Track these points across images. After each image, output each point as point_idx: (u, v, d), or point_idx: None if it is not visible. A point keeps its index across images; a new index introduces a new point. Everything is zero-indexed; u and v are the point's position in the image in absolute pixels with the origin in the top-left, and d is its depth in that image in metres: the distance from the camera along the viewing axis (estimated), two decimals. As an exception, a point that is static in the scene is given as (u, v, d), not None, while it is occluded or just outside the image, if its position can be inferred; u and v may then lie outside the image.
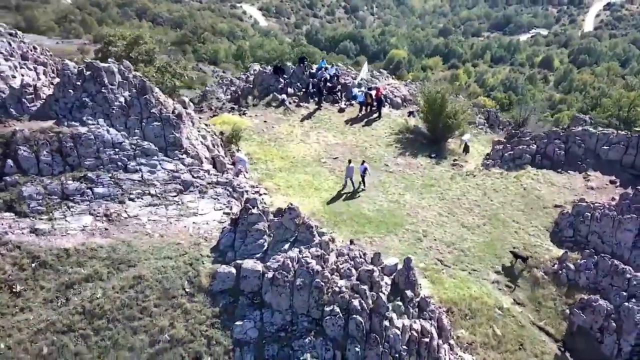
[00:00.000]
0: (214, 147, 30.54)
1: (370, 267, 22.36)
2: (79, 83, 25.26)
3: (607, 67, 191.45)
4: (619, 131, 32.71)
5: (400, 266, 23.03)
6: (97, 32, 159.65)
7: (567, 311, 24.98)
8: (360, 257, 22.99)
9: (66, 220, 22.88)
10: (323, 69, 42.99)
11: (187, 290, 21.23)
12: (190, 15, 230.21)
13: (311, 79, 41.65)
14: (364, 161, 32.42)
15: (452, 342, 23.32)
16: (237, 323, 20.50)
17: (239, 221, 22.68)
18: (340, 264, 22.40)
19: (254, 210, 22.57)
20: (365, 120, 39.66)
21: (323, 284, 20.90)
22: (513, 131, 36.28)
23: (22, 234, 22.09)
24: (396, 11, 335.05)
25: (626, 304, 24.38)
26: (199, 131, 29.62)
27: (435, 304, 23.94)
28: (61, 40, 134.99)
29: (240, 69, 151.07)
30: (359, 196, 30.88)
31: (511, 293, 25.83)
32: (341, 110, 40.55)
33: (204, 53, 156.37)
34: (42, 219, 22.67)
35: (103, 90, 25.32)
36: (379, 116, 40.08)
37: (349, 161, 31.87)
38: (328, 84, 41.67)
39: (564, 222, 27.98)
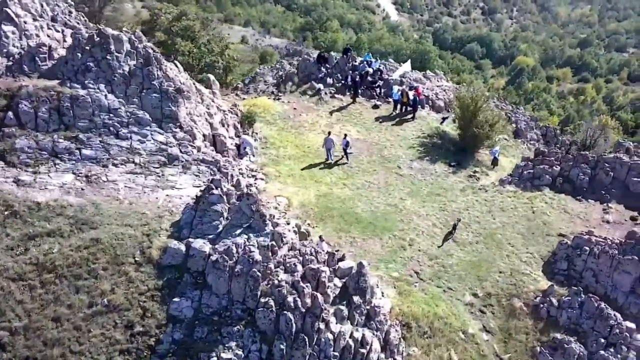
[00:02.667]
0: (223, 126, 31.03)
1: (317, 266, 21.87)
2: (87, 48, 26.54)
3: None
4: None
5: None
6: (229, 12, 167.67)
7: (537, 348, 23.09)
8: (312, 254, 22.49)
9: (49, 176, 24.23)
10: (366, 62, 42.01)
11: (137, 259, 21.79)
12: (323, 4, 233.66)
13: (351, 72, 40.90)
14: (345, 135, 33.04)
15: (398, 358, 22.35)
16: (175, 299, 20.79)
17: (200, 200, 22.97)
18: (289, 259, 22.08)
19: (215, 191, 22.69)
20: (398, 119, 38.43)
21: (260, 274, 20.70)
22: (541, 149, 33.59)
23: (5, 182, 23.63)
24: (537, 17, 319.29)
25: (602, 352, 22.23)
26: (208, 108, 30.17)
27: (390, 316, 23.03)
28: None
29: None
30: (358, 193, 30.13)
31: (481, 317, 24.29)
32: (375, 107, 39.52)
33: (322, 41, 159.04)
34: (27, 172, 24.15)
35: (108, 57, 26.42)
36: (413, 117, 38.65)
37: (329, 133, 32.68)
38: (369, 78, 40.74)
39: (561, 254, 25.71)
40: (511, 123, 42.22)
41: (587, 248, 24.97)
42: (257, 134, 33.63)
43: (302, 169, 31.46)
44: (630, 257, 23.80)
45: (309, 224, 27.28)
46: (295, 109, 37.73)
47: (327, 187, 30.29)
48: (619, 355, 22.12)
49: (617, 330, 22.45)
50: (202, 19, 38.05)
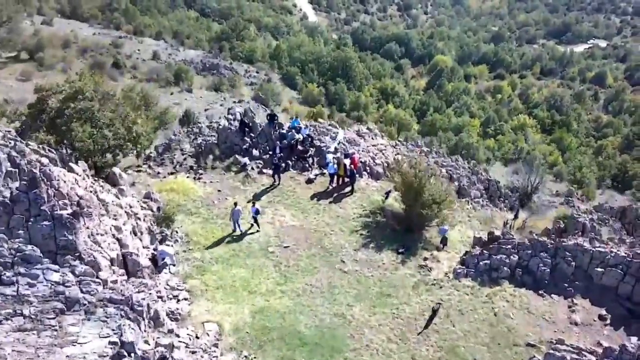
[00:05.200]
0: (135, 235, 26.45)
1: None
2: (-45, 173, 21.38)
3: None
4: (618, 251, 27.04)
5: None
6: (138, 23, 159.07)
7: None
8: None
9: None
10: (294, 129, 37.77)
11: None
12: (238, 7, 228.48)
13: (278, 142, 36.69)
14: (254, 202, 30.95)
15: None
16: None
17: (109, 370, 18.52)
18: None
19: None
20: (335, 194, 34.68)
21: None
22: (495, 231, 30.81)
23: None
24: (451, 10, 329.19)
25: None
26: (115, 219, 25.47)
27: None
28: (99, 32, 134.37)
29: (275, 69, 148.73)
30: (299, 303, 26.19)
31: None
32: (309, 182, 35.61)
33: (240, 51, 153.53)
34: None
35: (-18, 182, 21.39)
36: (352, 191, 35.06)
37: (235, 204, 30.24)
38: (299, 147, 36.69)
39: (533, 374, 22.86)
40: (453, 181, 39.54)
41: (563, 368, 22.19)
42: (177, 232, 29.18)
43: (233, 275, 27.30)
44: (612, 382, 21.20)
45: (245, 357, 23.28)
46: (219, 191, 33.37)
47: (263, 299, 26.19)
48: None
49: None
50: (102, 93, 32.65)
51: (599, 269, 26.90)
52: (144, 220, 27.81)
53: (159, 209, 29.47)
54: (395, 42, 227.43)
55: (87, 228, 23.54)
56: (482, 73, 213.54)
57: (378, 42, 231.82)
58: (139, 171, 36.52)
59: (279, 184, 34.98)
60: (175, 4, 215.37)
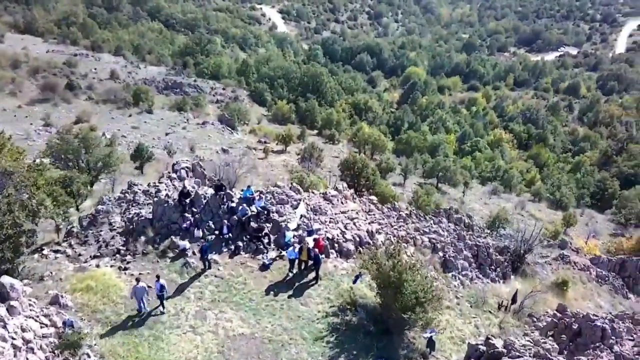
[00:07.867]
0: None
1: None
2: None
3: (637, 98, 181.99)
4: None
5: None
6: (96, 38, 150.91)
7: None
8: None
9: None
10: (245, 202, 31.10)
11: None
12: (204, 18, 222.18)
13: (226, 221, 30.10)
14: (158, 277, 25.63)
15: None
16: None
17: None
18: None
19: None
20: (296, 284, 28.13)
21: None
22: (493, 340, 24.64)
23: None
24: (422, 19, 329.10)
25: None
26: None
27: None
28: (53, 49, 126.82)
29: (243, 85, 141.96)
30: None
31: None
32: (264, 268, 28.95)
33: (205, 67, 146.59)
34: None
35: None
36: (316, 279, 28.62)
37: (137, 280, 25.39)
38: (252, 224, 30.22)
39: None
40: (437, 252, 33.61)
41: None
42: (88, 356, 22.46)
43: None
44: None
45: None
46: (149, 287, 26.75)
47: None
48: None
49: None
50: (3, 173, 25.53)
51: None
52: (40, 348, 21.11)
53: (64, 324, 22.77)
54: (366, 52, 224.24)
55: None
56: (456, 84, 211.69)
57: (349, 53, 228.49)
58: (57, 251, 29.89)
59: (205, 269, 28.59)
60: (138, 16, 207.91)
